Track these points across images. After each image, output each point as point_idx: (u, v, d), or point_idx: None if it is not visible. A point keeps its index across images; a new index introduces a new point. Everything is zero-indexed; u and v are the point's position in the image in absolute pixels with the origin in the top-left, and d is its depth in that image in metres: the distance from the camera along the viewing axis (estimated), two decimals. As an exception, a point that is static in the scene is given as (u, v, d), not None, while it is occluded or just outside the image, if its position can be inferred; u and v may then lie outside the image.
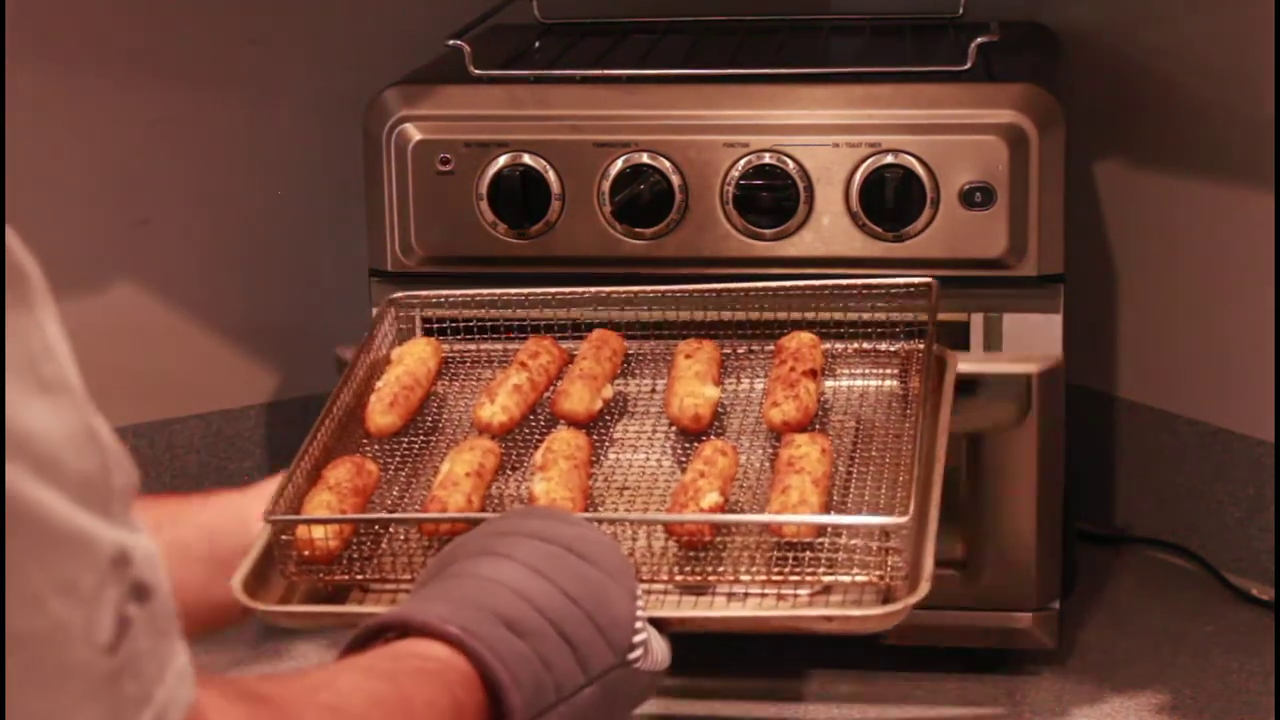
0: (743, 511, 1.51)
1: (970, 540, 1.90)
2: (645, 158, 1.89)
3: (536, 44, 2.18)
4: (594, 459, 1.56)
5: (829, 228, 1.88)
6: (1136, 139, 2.26)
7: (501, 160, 1.91)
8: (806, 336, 1.65)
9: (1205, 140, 2.18)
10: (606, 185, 1.90)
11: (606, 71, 1.98)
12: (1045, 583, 1.91)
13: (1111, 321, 2.29)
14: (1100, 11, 2.27)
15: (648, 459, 1.59)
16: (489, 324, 1.74)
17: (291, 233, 2.32)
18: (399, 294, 1.73)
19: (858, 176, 1.86)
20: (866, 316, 1.66)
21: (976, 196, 1.85)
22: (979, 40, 1.90)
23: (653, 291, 1.70)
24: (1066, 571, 1.96)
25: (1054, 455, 1.90)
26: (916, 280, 1.68)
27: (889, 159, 1.86)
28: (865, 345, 1.67)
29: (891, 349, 1.66)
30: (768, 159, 1.88)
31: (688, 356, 1.64)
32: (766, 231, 1.89)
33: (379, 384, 1.63)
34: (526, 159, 1.90)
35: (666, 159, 1.89)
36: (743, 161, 1.88)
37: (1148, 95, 2.23)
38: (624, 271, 1.91)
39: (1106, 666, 1.97)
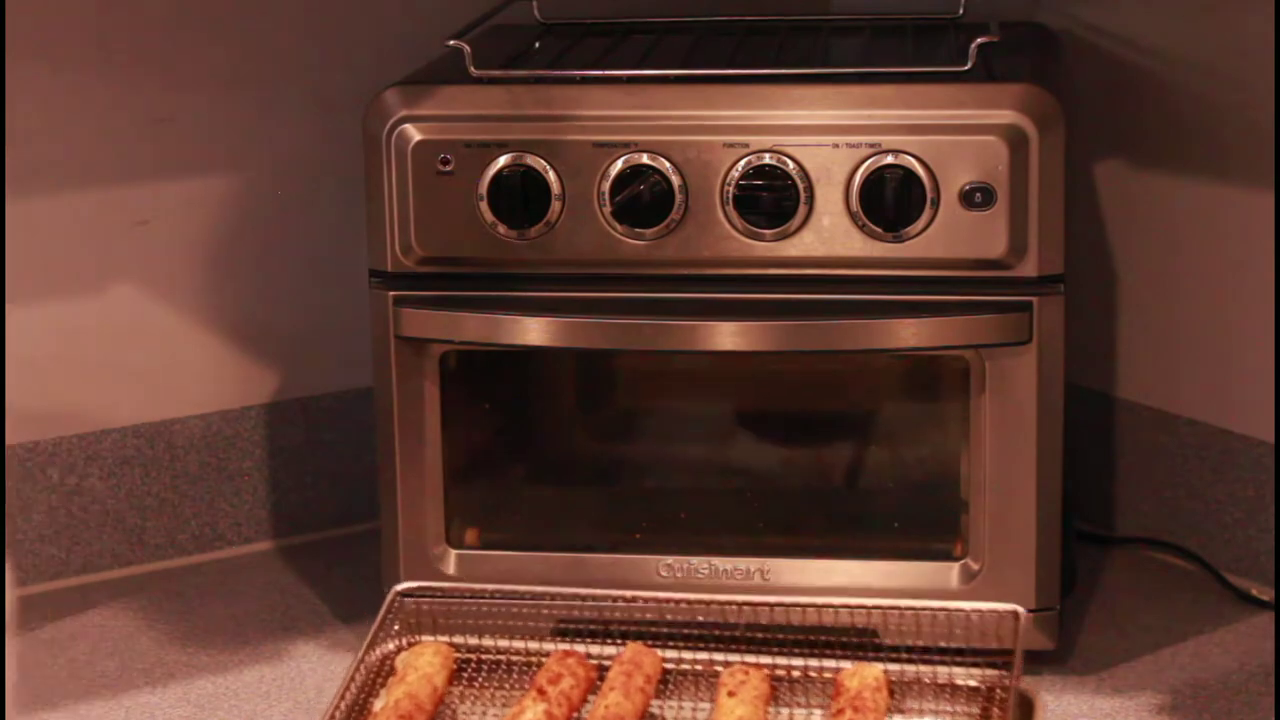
0: None
1: (970, 540, 1.90)
2: (645, 158, 1.89)
3: (536, 44, 2.18)
4: None
5: (829, 228, 1.88)
6: (1136, 139, 2.26)
7: (501, 160, 1.91)
8: (871, 675, 1.43)
9: (1205, 140, 2.18)
10: (606, 185, 1.90)
11: (606, 72, 1.98)
12: (1045, 583, 1.91)
13: (1111, 321, 2.29)
14: (1100, 11, 2.27)
15: None
16: (510, 602, 1.51)
17: (291, 233, 2.32)
18: (408, 584, 1.54)
19: (858, 177, 1.86)
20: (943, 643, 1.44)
21: (976, 197, 1.85)
22: (979, 40, 1.90)
23: (697, 601, 1.49)
24: (1066, 571, 1.96)
25: (1054, 455, 1.90)
26: (1001, 608, 1.45)
27: (889, 159, 1.86)
28: (940, 670, 1.46)
29: (969, 682, 1.47)
30: (768, 159, 1.87)
31: (731, 694, 1.43)
32: (766, 232, 1.88)
33: (377, 705, 1.45)
34: (526, 159, 1.90)
35: (666, 159, 1.89)
36: (743, 162, 1.88)
37: (1148, 95, 2.23)
38: (624, 273, 1.91)
39: (1106, 666, 1.97)
